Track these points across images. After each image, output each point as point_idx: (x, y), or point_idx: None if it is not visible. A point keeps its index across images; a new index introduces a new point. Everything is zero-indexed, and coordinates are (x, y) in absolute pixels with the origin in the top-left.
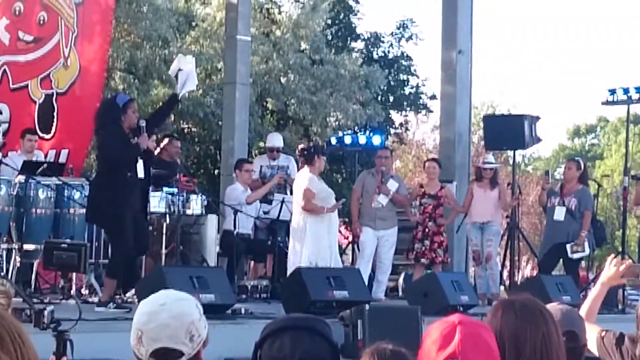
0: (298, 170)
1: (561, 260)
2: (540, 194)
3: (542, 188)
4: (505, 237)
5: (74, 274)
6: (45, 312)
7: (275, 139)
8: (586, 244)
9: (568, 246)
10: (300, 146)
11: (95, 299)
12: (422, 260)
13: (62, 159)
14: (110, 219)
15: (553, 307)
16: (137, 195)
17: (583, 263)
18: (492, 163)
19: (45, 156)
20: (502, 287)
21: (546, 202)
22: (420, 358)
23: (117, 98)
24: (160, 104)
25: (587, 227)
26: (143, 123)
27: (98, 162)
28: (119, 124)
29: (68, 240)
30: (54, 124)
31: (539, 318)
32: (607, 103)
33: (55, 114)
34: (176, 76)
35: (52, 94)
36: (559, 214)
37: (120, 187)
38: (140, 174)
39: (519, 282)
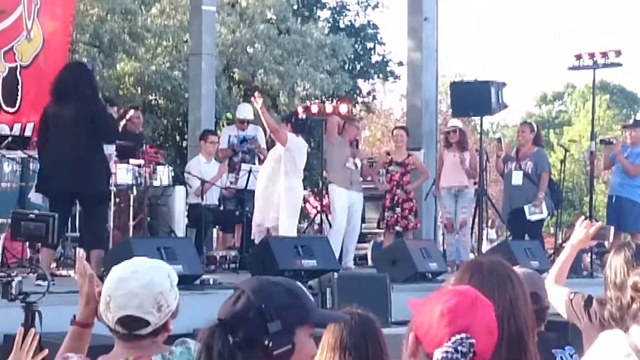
0: (266, 139)
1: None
2: (496, 162)
3: (496, 156)
4: (474, 204)
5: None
6: (13, 283)
7: (246, 111)
8: (544, 205)
9: (526, 207)
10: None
11: (64, 272)
12: (397, 227)
13: (28, 132)
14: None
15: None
16: None
17: (552, 229)
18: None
19: (11, 130)
20: (471, 254)
21: (503, 168)
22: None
23: (87, 65)
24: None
25: (544, 189)
26: None
27: (94, 131)
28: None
29: (36, 211)
30: (19, 97)
31: (506, 281)
32: (573, 68)
33: (19, 87)
34: None
35: (16, 67)
36: (517, 178)
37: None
38: None
39: (487, 249)
